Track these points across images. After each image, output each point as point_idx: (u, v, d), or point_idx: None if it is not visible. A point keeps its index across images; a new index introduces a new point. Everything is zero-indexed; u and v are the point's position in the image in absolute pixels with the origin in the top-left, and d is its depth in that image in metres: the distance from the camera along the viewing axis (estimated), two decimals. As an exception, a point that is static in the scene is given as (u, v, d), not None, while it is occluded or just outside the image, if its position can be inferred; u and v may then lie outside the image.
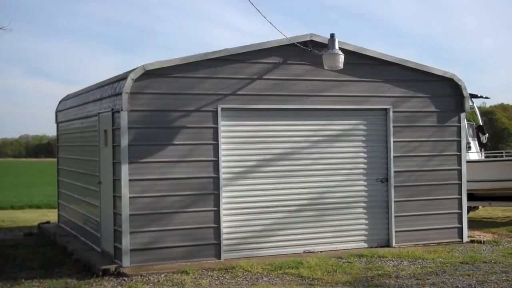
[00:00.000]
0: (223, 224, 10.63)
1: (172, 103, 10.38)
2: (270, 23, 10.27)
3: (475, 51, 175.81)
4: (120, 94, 10.08)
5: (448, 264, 10.16)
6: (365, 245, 11.65)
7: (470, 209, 16.23)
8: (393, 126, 11.77)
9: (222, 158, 10.65)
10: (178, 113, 10.41)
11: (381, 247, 11.63)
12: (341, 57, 10.64)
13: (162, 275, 9.54)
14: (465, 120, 12.97)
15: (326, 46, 10.80)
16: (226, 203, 10.73)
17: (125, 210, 10.03)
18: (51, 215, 18.45)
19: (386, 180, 11.80)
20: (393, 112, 11.77)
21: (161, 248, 10.25)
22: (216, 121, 10.61)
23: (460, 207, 12.22)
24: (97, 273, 9.75)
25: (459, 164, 12.23)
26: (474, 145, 17.42)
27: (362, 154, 11.73)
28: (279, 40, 10.91)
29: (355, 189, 11.67)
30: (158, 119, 10.30)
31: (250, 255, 10.81)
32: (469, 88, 12.41)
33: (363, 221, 11.70)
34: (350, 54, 11.15)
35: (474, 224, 15.01)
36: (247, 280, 9.21)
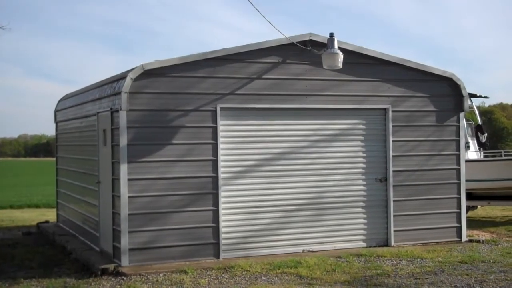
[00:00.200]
0: (222, 224, 10.63)
1: (171, 102, 10.38)
2: (269, 22, 10.28)
3: (475, 51, 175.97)
4: (119, 93, 10.08)
5: (446, 264, 10.16)
6: (364, 244, 11.66)
7: (469, 208, 16.23)
8: (392, 126, 11.78)
9: (221, 158, 10.65)
10: (177, 112, 10.41)
11: (379, 246, 11.64)
12: (340, 57, 10.64)
13: (161, 275, 9.54)
14: (464, 119, 12.99)
15: (325, 45, 10.80)
16: (225, 202, 10.73)
17: (124, 209, 10.04)
18: (50, 215, 18.45)
19: (385, 179, 11.80)
20: (392, 111, 11.77)
21: (160, 248, 10.25)
22: (215, 121, 10.61)
23: (459, 207, 12.23)
24: (96, 272, 9.75)
25: (458, 163, 12.23)
26: (473, 144, 17.42)
27: (361, 154, 11.74)
28: (278, 40, 10.91)
29: (354, 189, 11.67)
30: (157, 119, 10.30)
31: (249, 254, 10.82)
32: (468, 87, 12.44)
33: (362, 220, 11.71)
34: (349, 54, 11.15)
35: (473, 223, 15.02)
36: (246, 280, 9.21)
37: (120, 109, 10.02)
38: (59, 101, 16.03)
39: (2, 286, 9.23)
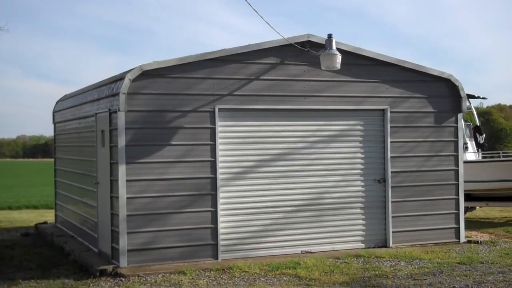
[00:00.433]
0: (220, 225, 10.63)
1: (170, 103, 10.38)
2: (268, 23, 10.28)
3: (472, 51, 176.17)
4: (117, 94, 10.07)
5: (445, 265, 10.17)
6: (362, 245, 11.66)
7: (467, 209, 16.23)
8: (391, 127, 11.78)
9: (219, 159, 10.65)
10: (176, 113, 10.41)
11: (378, 247, 11.64)
12: (339, 58, 10.64)
13: (160, 276, 9.53)
14: (462, 120, 12.99)
15: (323, 46, 10.80)
16: (224, 203, 10.72)
17: (122, 210, 10.03)
18: (48, 216, 18.44)
19: (383, 180, 11.80)
20: (391, 112, 11.78)
21: (159, 249, 10.24)
22: (213, 122, 10.61)
23: (457, 208, 12.24)
24: (94, 273, 9.74)
25: (456, 164, 12.24)
26: (471, 145, 17.43)
27: (360, 155, 11.74)
28: (277, 41, 10.91)
29: (352, 190, 11.67)
30: (156, 120, 10.29)
31: (247, 255, 10.81)
32: (466, 88, 12.44)
33: (361, 221, 11.71)
34: (347, 55, 11.16)
35: (471, 224, 15.03)
36: (244, 281, 9.21)
37: (118, 110, 10.02)
38: (57, 102, 16.02)
39: (1, 287, 9.22)
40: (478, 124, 18.35)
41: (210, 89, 10.60)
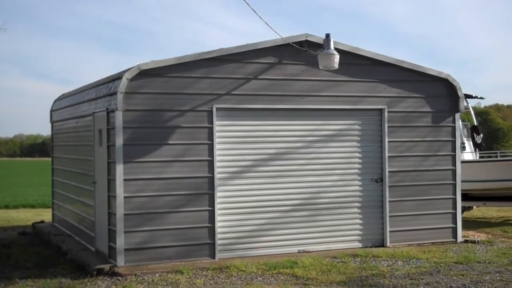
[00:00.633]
0: (217, 224, 10.63)
1: (167, 103, 10.38)
2: (266, 23, 10.29)
3: (470, 51, 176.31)
4: (115, 93, 10.07)
5: (442, 264, 10.18)
6: (360, 245, 11.66)
7: (464, 209, 16.26)
8: (388, 126, 11.79)
9: (217, 158, 10.65)
10: (173, 113, 10.41)
11: (375, 247, 11.65)
12: (336, 57, 10.65)
13: (157, 275, 9.53)
14: (460, 120, 13.00)
15: (321, 46, 10.81)
16: (221, 202, 10.73)
17: (120, 209, 10.02)
18: (46, 215, 18.42)
19: (380, 180, 11.81)
20: (388, 112, 11.79)
21: (156, 248, 10.24)
22: (211, 121, 10.60)
23: (455, 207, 12.25)
24: (91, 272, 9.74)
25: (454, 164, 12.26)
26: (468, 145, 17.46)
27: (357, 154, 11.75)
28: (274, 40, 10.91)
29: (349, 189, 11.68)
30: (153, 119, 10.29)
31: (244, 254, 10.81)
32: (464, 88, 12.45)
33: (358, 221, 11.72)
34: (345, 54, 11.16)
35: (469, 224, 15.05)
36: (241, 280, 9.21)
37: (116, 109, 10.01)
38: (55, 101, 16.01)
39: (-3, 286, 9.22)
40: (475, 124, 18.39)
41: (207, 89, 10.60)
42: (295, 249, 11.20)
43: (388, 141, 11.79)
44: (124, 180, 10.06)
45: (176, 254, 10.34)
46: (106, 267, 9.82)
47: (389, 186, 11.79)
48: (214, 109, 10.61)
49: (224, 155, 10.79)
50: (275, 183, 11.17)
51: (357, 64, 11.57)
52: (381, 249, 11.44)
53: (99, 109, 11.11)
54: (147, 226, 10.20)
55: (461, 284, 8.82)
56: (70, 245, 12.03)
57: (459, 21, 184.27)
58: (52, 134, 16.23)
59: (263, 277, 9.41)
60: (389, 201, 11.79)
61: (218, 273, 9.62)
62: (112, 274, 9.65)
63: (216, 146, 10.65)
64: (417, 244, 11.90)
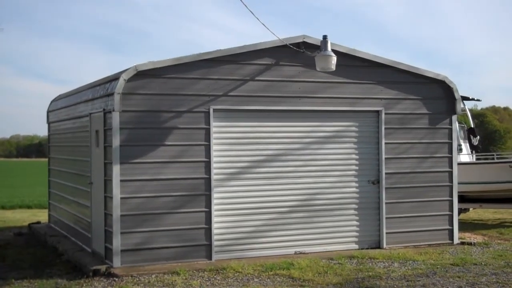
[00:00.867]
0: (214, 225, 10.62)
1: (164, 103, 10.37)
2: (263, 24, 10.28)
3: (466, 53, 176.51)
4: (112, 94, 10.06)
5: (438, 266, 10.19)
6: (356, 246, 11.67)
7: (461, 211, 16.26)
8: (385, 128, 11.80)
9: (214, 159, 10.64)
10: (170, 114, 10.40)
11: (372, 248, 11.65)
12: (334, 59, 10.65)
13: (153, 276, 9.52)
14: (457, 122, 13.02)
15: (318, 47, 10.81)
16: (218, 204, 10.72)
17: (116, 210, 10.01)
18: (42, 215, 18.39)
19: (377, 181, 11.82)
20: (385, 114, 11.79)
21: (152, 249, 10.23)
22: (208, 122, 10.60)
23: (451, 209, 12.26)
24: (87, 273, 9.72)
25: (450, 166, 12.27)
26: (465, 147, 17.47)
27: (354, 156, 11.75)
28: (272, 42, 10.92)
29: (346, 191, 11.68)
30: (150, 120, 10.28)
31: (241, 256, 10.81)
32: (461, 90, 12.46)
33: (354, 222, 11.72)
34: (342, 56, 11.17)
35: (465, 226, 15.07)
36: (238, 281, 9.21)
37: (113, 110, 10.00)
38: (51, 102, 15.99)
39: (-7, 287, 9.20)
40: (472, 126, 18.40)
41: (205, 90, 10.60)
42: (291, 251, 11.20)
43: (385, 143, 11.80)
44: (121, 181, 10.05)
45: (173, 255, 10.33)
46: (102, 268, 9.81)
47: (386, 188, 11.80)
48: (211, 110, 10.61)
49: (221, 156, 10.78)
50: (272, 184, 11.17)
51: (354, 65, 11.57)
52: (377, 250, 11.44)
53: (96, 110, 11.09)
54: (144, 227, 10.19)
55: (457, 286, 8.83)
56: (66, 246, 12.01)
57: (456, 24, 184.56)
58: (48, 135, 16.21)
59: (260, 278, 9.40)
60: (386, 203, 11.79)
61: (215, 274, 9.61)
62: (108, 275, 9.63)
63: (213, 147, 10.65)
64: (414, 246, 11.90)
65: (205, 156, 10.58)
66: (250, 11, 9.99)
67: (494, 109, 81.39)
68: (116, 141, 10.03)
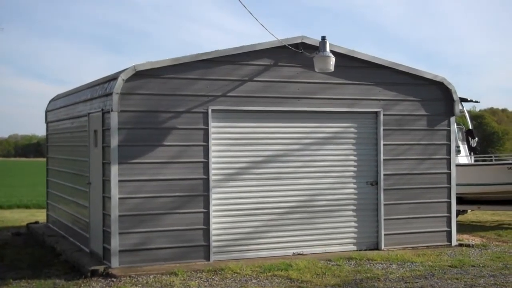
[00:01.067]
0: (212, 226, 10.61)
1: (163, 104, 10.36)
2: (262, 25, 10.27)
3: (465, 55, 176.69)
4: (110, 94, 10.05)
5: (436, 268, 10.19)
6: (354, 247, 11.66)
7: (459, 212, 16.28)
8: (383, 129, 11.80)
9: (212, 160, 10.64)
10: (169, 114, 10.40)
11: (370, 250, 11.65)
12: (332, 60, 10.65)
13: (151, 276, 9.52)
14: (455, 123, 13.02)
15: (317, 48, 10.81)
16: (216, 204, 10.71)
17: (114, 211, 10.00)
18: (40, 215, 18.38)
19: (375, 183, 11.82)
20: (384, 115, 11.80)
21: (150, 249, 10.22)
22: (206, 123, 10.60)
23: (449, 211, 12.26)
24: (85, 274, 9.71)
25: (449, 167, 12.27)
26: (463, 149, 17.48)
27: (352, 157, 11.75)
28: (270, 42, 10.91)
29: (344, 192, 11.68)
30: (149, 120, 10.27)
31: (239, 257, 10.80)
32: (459, 92, 12.47)
33: (353, 223, 11.72)
34: (341, 57, 11.17)
35: (463, 227, 15.07)
36: (236, 282, 9.20)
37: (112, 110, 9.99)
38: (50, 102, 15.98)
39: (-9, 287, 9.19)
40: (470, 128, 18.42)
41: (203, 90, 10.60)
42: (290, 252, 11.19)
43: (383, 144, 11.80)
44: (119, 181, 10.04)
45: (171, 256, 10.33)
46: (101, 268, 9.80)
47: (384, 189, 11.80)
48: (210, 111, 10.61)
49: (219, 157, 10.78)
50: (270, 185, 11.17)
51: (352, 66, 11.58)
52: (375, 252, 11.44)
53: (94, 110, 11.09)
54: (142, 228, 10.18)
55: (456, 288, 8.83)
56: (64, 246, 12.00)
57: (455, 25, 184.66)
58: (47, 135, 16.19)
59: (258, 279, 9.40)
60: (384, 204, 11.79)
61: (213, 275, 9.61)
62: (106, 275, 9.63)
63: (212, 148, 10.64)
64: (412, 247, 11.90)
65: (204, 156, 10.58)
66: (249, 12, 9.99)
67: (493, 111, 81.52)
68: (114, 141, 10.03)
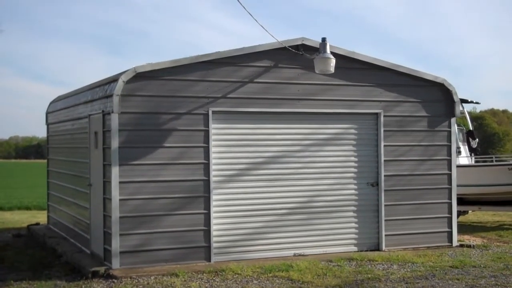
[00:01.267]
0: (213, 227, 10.62)
1: (163, 105, 10.37)
2: (262, 26, 10.29)
3: (465, 56, 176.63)
4: (111, 96, 10.06)
5: (437, 268, 10.19)
6: (355, 248, 11.67)
7: (460, 213, 16.27)
8: (384, 131, 11.80)
9: (212, 161, 10.65)
10: (169, 115, 10.41)
11: (371, 250, 11.65)
12: (333, 61, 10.66)
13: (152, 278, 9.52)
14: (456, 125, 13.03)
15: (317, 50, 10.82)
16: (217, 205, 10.72)
17: (115, 212, 10.01)
18: (41, 217, 18.39)
19: (376, 184, 11.82)
20: (384, 116, 11.80)
21: (151, 251, 10.23)
22: (207, 124, 10.60)
23: (450, 212, 12.27)
24: (86, 275, 9.72)
25: (449, 168, 12.27)
26: (464, 150, 17.48)
27: (353, 158, 11.76)
28: (271, 44, 10.92)
29: (345, 193, 11.69)
30: (149, 122, 10.28)
31: (240, 258, 10.81)
32: (459, 93, 12.47)
33: (353, 224, 11.72)
34: (341, 58, 11.18)
35: (464, 228, 15.07)
36: (237, 283, 9.21)
37: (112, 112, 10.00)
38: (50, 103, 15.99)
39: (-8, 288, 9.20)
40: (471, 129, 18.42)
41: (204, 92, 10.60)
42: (290, 253, 11.20)
43: (384, 145, 11.80)
44: (120, 182, 10.05)
45: (172, 257, 10.33)
46: (101, 269, 9.81)
47: (385, 190, 11.80)
48: (210, 112, 10.61)
49: (220, 158, 10.79)
50: (271, 186, 11.18)
51: (353, 68, 11.58)
52: (376, 253, 11.45)
53: (95, 111, 11.10)
54: (143, 229, 10.19)
55: (456, 288, 8.83)
56: (65, 248, 12.01)
57: (456, 24, 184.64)
58: (47, 136, 16.20)
59: (259, 280, 9.40)
60: (385, 205, 11.80)
61: (214, 276, 9.61)
62: (107, 276, 9.64)
63: (212, 149, 10.65)
64: (413, 248, 11.90)
65: (204, 158, 10.58)
66: (249, 14, 10.00)
67: (493, 112, 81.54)
68: (115, 143, 10.04)
